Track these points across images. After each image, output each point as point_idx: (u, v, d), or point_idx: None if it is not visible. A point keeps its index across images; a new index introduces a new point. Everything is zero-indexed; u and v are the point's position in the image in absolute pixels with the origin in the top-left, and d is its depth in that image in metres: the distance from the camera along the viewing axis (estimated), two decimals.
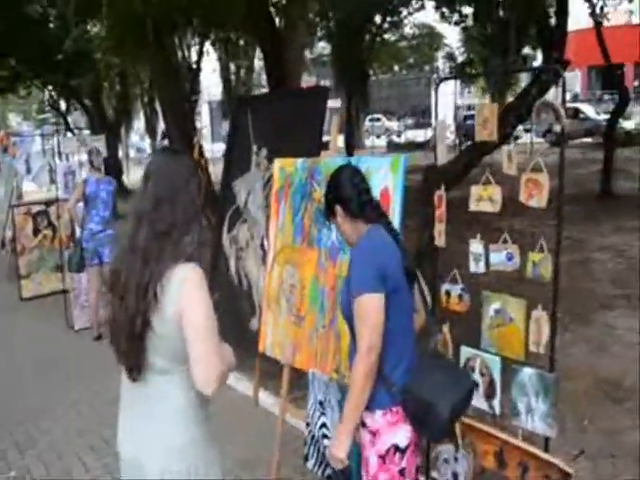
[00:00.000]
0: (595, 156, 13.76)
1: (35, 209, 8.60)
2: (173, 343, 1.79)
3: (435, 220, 2.90)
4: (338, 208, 2.27)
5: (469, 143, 4.98)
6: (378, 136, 31.40)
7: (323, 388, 3.22)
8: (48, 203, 8.57)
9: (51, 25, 10.62)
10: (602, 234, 8.50)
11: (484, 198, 2.66)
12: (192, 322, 1.74)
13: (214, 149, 22.56)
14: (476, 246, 2.74)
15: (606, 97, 28.98)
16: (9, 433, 4.51)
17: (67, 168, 7.49)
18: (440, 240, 2.90)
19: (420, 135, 28.86)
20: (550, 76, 4.81)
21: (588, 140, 20.12)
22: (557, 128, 2.41)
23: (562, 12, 6.64)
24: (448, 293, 2.91)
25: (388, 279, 2.06)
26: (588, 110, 24.16)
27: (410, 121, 38.29)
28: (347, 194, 2.25)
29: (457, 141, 17.04)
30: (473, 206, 2.70)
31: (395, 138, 29.86)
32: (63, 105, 19.97)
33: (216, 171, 9.11)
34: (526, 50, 23.23)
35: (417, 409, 2.07)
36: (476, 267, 2.76)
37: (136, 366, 1.84)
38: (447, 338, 2.89)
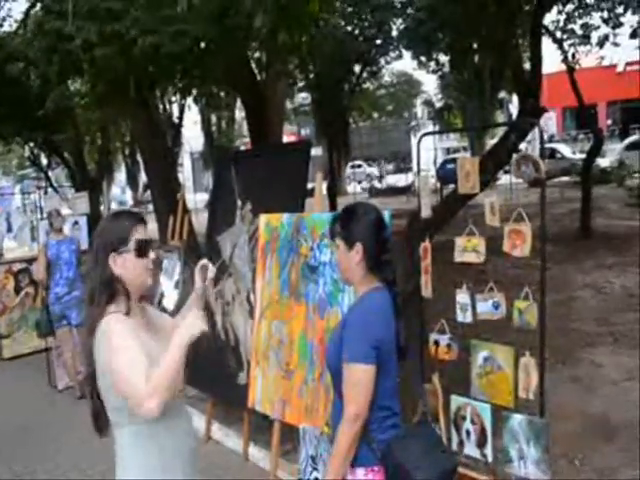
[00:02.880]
0: (573, 194, 14.03)
1: (17, 267, 8.51)
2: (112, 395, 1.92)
3: (421, 271, 2.94)
4: (359, 245, 2.13)
5: (450, 187, 5.09)
6: (359, 182, 31.78)
7: (314, 442, 3.18)
8: (30, 261, 8.49)
9: (32, 83, 10.77)
10: (583, 272, 8.60)
11: (468, 249, 2.71)
12: (113, 370, 1.85)
13: (197, 199, 22.67)
14: (463, 296, 2.78)
15: (581, 136, 29.72)
16: None
17: (48, 225, 7.45)
18: (427, 291, 2.94)
19: (401, 180, 29.25)
20: (527, 125, 4.95)
21: (565, 179, 20.53)
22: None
23: (536, 59, 6.87)
24: (437, 343, 2.93)
25: (381, 351, 2.07)
26: (564, 150, 24.72)
27: (390, 166, 38.88)
28: (374, 242, 2.15)
29: (438, 185, 17.30)
30: (458, 257, 2.75)
31: (376, 184, 30.24)
32: (44, 161, 20.03)
33: (199, 221, 9.17)
34: (502, 94, 23.88)
35: (394, 473, 2.07)
36: (463, 317, 2.80)
37: (97, 423, 2.02)
38: (437, 387, 2.89)
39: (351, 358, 2.04)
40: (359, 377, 2.03)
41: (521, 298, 2.56)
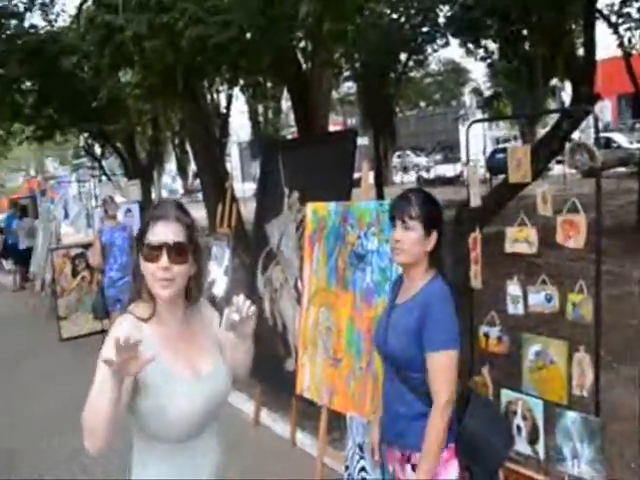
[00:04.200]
0: (630, 186, 13.55)
1: (73, 252, 8.81)
2: None
3: (470, 261, 2.90)
4: (435, 233, 2.16)
5: (500, 177, 4.96)
6: (406, 171, 31.49)
7: (362, 431, 3.19)
8: (86, 246, 8.78)
9: (86, 75, 11.08)
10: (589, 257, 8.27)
11: (520, 240, 2.65)
12: None
13: (245, 188, 22.89)
14: (514, 287, 2.73)
15: (638, 125, 28.66)
16: (53, 471, 4.54)
17: (103, 212, 7.67)
18: (476, 282, 2.89)
19: (449, 170, 28.80)
20: (580, 112, 4.80)
21: (622, 169, 19.84)
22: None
23: (590, 45, 6.63)
24: (486, 335, 2.89)
25: None
26: (620, 139, 23.91)
27: (438, 156, 38.30)
28: (441, 232, 2.18)
29: (487, 175, 16.96)
30: (509, 247, 2.70)
31: (424, 174, 29.88)
32: (98, 150, 20.58)
33: (247, 210, 9.27)
34: (553, 82, 23.21)
35: (473, 444, 2.13)
36: (514, 309, 2.74)
37: None
38: (487, 380, 2.85)
39: (441, 345, 2.06)
40: (449, 363, 2.06)
41: (575, 291, 2.50)
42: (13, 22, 12.36)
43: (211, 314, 1.97)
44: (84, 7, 9.00)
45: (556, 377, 2.64)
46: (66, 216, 10.38)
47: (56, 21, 13.62)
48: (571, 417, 2.57)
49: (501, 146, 27.03)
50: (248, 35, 6.71)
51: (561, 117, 5.33)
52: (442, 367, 2.05)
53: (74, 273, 8.69)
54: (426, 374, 2.10)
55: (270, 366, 4.45)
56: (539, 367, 2.70)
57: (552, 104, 25.87)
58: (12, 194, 28.76)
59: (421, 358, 2.09)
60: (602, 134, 24.03)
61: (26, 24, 12.46)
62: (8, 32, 11.89)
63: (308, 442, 4.38)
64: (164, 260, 1.69)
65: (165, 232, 1.71)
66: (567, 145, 2.44)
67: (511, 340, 2.81)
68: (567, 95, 29.46)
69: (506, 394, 2.82)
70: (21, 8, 12.85)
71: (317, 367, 3.58)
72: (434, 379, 2.07)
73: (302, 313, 3.75)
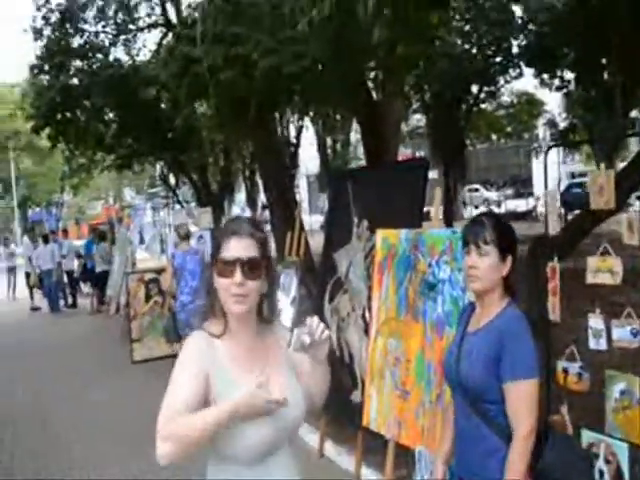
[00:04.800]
0: None
1: (147, 277, 9.05)
2: None
3: (548, 293, 2.77)
4: (510, 258, 2.10)
5: (576, 212, 4.77)
6: (476, 207, 30.83)
7: (430, 467, 3.06)
8: (159, 271, 9.00)
9: (163, 106, 11.58)
10: None
11: (603, 270, 2.51)
12: None
13: (312, 221, 23.06)
14: (596, 321, 2.58)
15: None
16: None
17: (176, 238, 7.88)
18: (554, 314, 2.75)
19: (521, 205, 28.04)
20: None
21: None
22: None
23: None
24: (565, 371, 2.73)
25: None
26: None
27: (509, 191, 37.35)
28: (515, 258, 2.12)
29: (562, 210, 16.39)
30: (591, 278, 2.56)
31: (495, 208, 29.21)
32: (173, 180, 21.33)
33: (314, 242, 9.30)
34: (634, 113, 22.36)
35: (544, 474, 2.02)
36: (596, 344, 2.59)
37: None
38: (566, 420, 2.69)
39: (523, 374, 1.98)
40: (530, 393, 1.97)
41: None
42: (99, 56, 13.13)
43: (284, 334, 1.91)
44: (164, 41, 9.44)
45: None
46: (141, 241, 10.77)
47: (138, 55, 14.39)
48: None
49: (577, 180, 26.15)
50: (320, 65, 6.83)
51: None
52: (523, 397, 1.96)
53: (147, 297, 8.91)
54: (504, 405, 2.00)
55: (336, 397, 4.35)
56: (624, 407, 2.53)
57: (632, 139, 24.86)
58: (91, 221, 30.20)
59: (498, 388, 2.00)
60: None
61: (110, 58, 13.20)
62: (94, 66, 12.61)
63: (374, 478, 4.25)
64: (238, 275, 1.68)
65: (239, 247, 1.70)
66: None
67: (592, 377, 2.64)
68: None
69: (587, 435, 2.65)
70: (106, 43, 13.65)
71: (384, 399, 3.49)
72: (514, 410, 1.97)
73: (370, 343, 3.68)
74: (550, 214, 2.80)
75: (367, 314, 4.27)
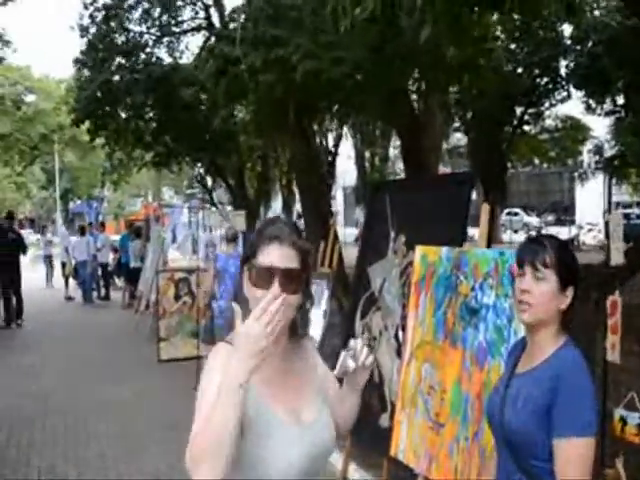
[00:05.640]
0: None
1: (178, 276, 8.98)
2: None
3: (607, 330, 2.47)
4: (571, 289, 1.80)
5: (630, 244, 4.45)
6: (516, 231, 30.21)
7: None
8: (190, 271, 8.92)
9: (202, 107, 11.60)
10: None
11: None
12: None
13: (346, 233, 22.83)
14: None
15: None
16: None
17: (209, 240, 7.77)
18: (614, 355, 2.45)
19: (562, 232, 27.40)
20: None
21: None
22: None
23: None
24: (623, 420, 2.42)
25: None
26: None
27: (550, 217, 36.55)
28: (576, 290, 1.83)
29: (606, 242, 15.81)
30: None
31: (535, 234, 28.46)
32: (210, 182, 21.39)
33: (346, 255, 9.09)
34: None
35: None
36: None
37: None
38: (621, 475, 2.38)
39: (578, 431, 1.67)
40: (584, 454, 1.67)
41: None
42: (142, 55, 13.22)
43: (316, 355, 1.72)
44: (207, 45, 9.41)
45: None
46: (174, 240, 10.74)
47: (180, 58, 14.49)
48: None
49: (622, 212, 25.40)
50: (362, 72, 6.64)
51: None
52: (575, 458, 1.65)
53: (176, 297, 8.86)
54: (552, 464, 1.69)
55: (363, 419, 4.09)
56: None
57: None
58: (130, 216, 30.63)
59: (548, 443, 1.69)
60: None
61: (153, 59, 13.29)
62: (136, 64, 12.70)
63: None
64: (276, 288, 1.47)
65: (279, 255, 1.50)
66: None
67: None
68: None
69: None
70: (150, 43, 13.76)
71: (415, 429, 3.21)
72: (563, 472, 1.66)
73: (403, 366, 3.41)
74: (613, 242, 2.51)
75: (400, 334, 4.01)
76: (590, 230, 27.26)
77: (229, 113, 9.27)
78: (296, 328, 1.61)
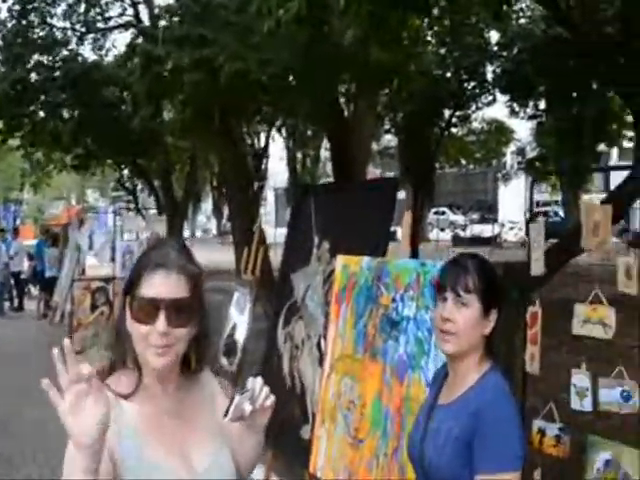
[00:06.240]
0: None
1: (95, 285, 8.52)
2: None
3: (527, 341, 2.42)
4: (494, 313, 1.70)
5: (550, 242, 4.48)
6: (442, 229, 31.00)
7: None
8: (107, 280, 8.50)
9: (124, 107, 11.20)
10: None
11: (593, 320, 2.17)
12: None
13: (277, 233, 22.68)
14: (581, 378, 2.23)
15: None
16: None
17: (126, 247, 7.41)
18: (532, 366, 2.40)
19: (486, 230, 28.26)
20: None
21: None
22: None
23: None
24: (542, 432, 2.38)
25: None
26: None
27: (475, 215, 37.78)
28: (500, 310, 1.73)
29: (527, 239, 16.40)
30: (578, 329, 2.22)
31: (460, 232, 29.35)
32: (134, 185, 20.75)
33: (277, 256, 8.96)
34: (601, 147, 22.74)
35: None
36: (580, 404, 2.24)
37: None
38: None
39: (503, 466, 1.56)
40: None
41: None
42: (64, 52, 12.61)
43: (214, 388, 1.53)
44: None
45: None
46: (91, 247, 10.24)
47: (106, 55, 13.93)
48: None
49: (541, 209, 26.40)
50: (290, 74, 6.53)
51: (627, 178, 4.87)
52: None
53: (93, 307, 8.39)
54: None
55: (285, 430, 3.97)
56: (608, 479, 2.18)
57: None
58: (52, 221, 29.27)
59: (470, 479, 1.58)
60: None
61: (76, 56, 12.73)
62: (55, 61, 12.11)
63: None
64: (161, 322, 1.30)
65: (165, 285, 1.32)
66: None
67: (573, 442, 2.29)
68: (612, 162, 28.86)
69: None
70: (73, 40, 13.16)
71: (335, 445, 3.09)
72: None
73: (323, 380, 3.28)
74: (534, 252, 2.46)
75: (322, 343, 3.91)
76: (512, 228, 28.30)
77: (152, 113, 8.94)
78: (189, 363, 1.43)
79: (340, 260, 3.39)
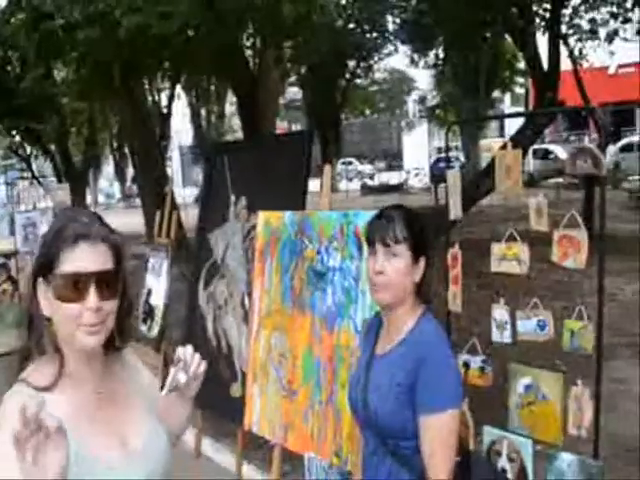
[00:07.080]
0: (569, 196, 13.75)
1: None
2: None
3: (449, 282, 2.54)
4: (423, 260, 1.75)
5: (442, 186, 4.68)
6: (350, 179, 31.45)
7: (322, 474, 2.77)
8: (8, 255, 7.99)
9: (11, 67, 10.38)
10: (590, 277, 8.20)
11: (508, 257, 2.30)
12: None
13: (185, 194, 22.17)
14: (500, 312, 2.37)
15: (572, 138, 29.54)
16: None
17: (26, 219, 6.95)
18: (455, 304, 2.53)
19: (393, 177, 28.92)
20: (546, 119, 4.58)
21: (560, 180, 20.28)
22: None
23: (555, 51, 6.53)
24: (467, 365, 2.53)
25: None
26: (557, 150, 24.52)
27: (382, 164, 38.52)
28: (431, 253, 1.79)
29: (432, 185, 17.03)
30: (495, 266, 2.35)
31: (368, 181, 29.93)
32: (27, 151, 19.49)
33: (189, 216, 8.77)
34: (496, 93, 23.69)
35: None
36: (500, 336, 2.39)
37: None
38: (467, 416, 2.48)
39: (447, 404, 1.63)
40: (449, 427, 1.63)
41: (573, 317, 2.16)
42: None
43: (136, 362, 1.48)
44: None
45: (549, 414, 2.31)
46: None
47: None
48: (566, 460, 2.24)
49: (443, 155, 27.31)
50: (192, 28, 6.27)
51: (525, 124, 5.10)
52: (441, 432, 1.62)
53: None
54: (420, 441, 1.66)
55: (213, 391, 3.96)
56: (529, 403, 2.36)
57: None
58: None
59: (414, 422, 1.65)
60: (539, 145, 24.66)
61: None
62: None
63: (258, 477, 3.94)
64: (93, 298, 1.21)
65: (91, 257, 1.22)
66: (570, 149, 2.12)
67: (496, 371, 2.46)
68: (506, 108, 30.17)
69: (489, 432, 2.47)
70: None
71: (269, 399, 3.15)
72: (430, 448, 1.62)
73: (252, 337, 3.31)
74: (452, 198, 2.56)
75: (246, 301, 3.91)
76: (417, 175, 29.18)
77: (43, 73, 8.35)
78: (113, 340, 1.33)
79: (262, 216, 3.38)
